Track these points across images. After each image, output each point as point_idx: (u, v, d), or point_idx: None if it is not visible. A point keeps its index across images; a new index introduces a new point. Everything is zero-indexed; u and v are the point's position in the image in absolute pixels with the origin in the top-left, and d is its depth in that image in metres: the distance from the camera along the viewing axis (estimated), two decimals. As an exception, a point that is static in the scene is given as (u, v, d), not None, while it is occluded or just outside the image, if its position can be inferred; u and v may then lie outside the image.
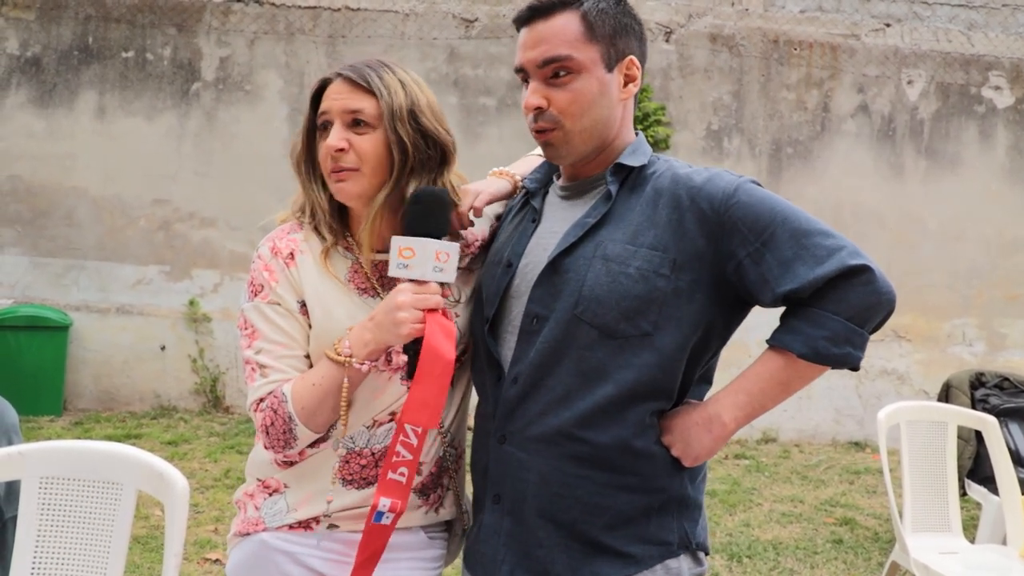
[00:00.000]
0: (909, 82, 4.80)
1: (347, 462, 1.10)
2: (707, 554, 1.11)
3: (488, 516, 1.10)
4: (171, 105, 4.68)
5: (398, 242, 1.03)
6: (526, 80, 1.07)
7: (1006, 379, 3.15)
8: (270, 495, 1.12)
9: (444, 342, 1.00)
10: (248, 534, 1.12)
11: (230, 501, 3.29)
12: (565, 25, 1.02)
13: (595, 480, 1.03)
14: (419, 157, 1.09)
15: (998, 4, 4.87)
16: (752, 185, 1.03)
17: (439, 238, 1.03)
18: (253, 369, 1.08)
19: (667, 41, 4.75)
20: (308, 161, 1.13)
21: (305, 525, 1.10)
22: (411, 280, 1.02)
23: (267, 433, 1.06)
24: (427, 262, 1.00)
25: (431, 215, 1.03)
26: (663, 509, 1.05)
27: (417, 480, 1.12)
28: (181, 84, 4.69)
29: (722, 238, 1.00)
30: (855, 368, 1.00)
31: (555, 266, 1.05)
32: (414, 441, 1.02)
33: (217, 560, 2.76)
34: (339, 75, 1.10)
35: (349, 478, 1.10)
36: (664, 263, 1.00)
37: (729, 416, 1.02)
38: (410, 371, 1.04)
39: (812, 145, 4.78)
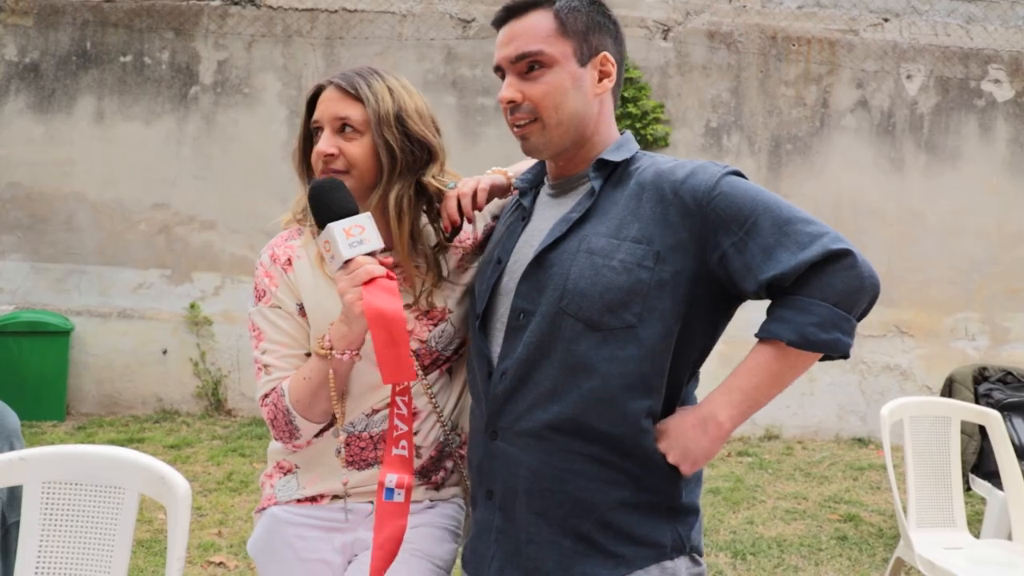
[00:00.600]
0: (908, 77, 4.79)
1: (348, 445, 1.19)
2: (701, 555, 1.10)
3: (480, 512, 1.12)
4: (169, 109, 4.68)
5: (318, 241, 1.08)
6: (504, 78, 1.10)
7: (1009, 373, 3.14)
8: (284, 475, 1.24)
9: (384, 298, 1.02)
10: (264, 509, 1.25)
11: (233, 504, 3.29)
12: (538, 22, 1.06)
13: (586, 475, 1.03)
14: (406, 160, 1.14)
15: (996, -3, 4.86)
16: (734, 177, 1.03)
17: (350, 216, 1.06)
18: (259, 368, 1.18)
19: (665, 39, 4.74)
20: (305, 164, 1.20)
21: (312, 499, 1.21)
22: (340, 268, 1.05)
23: (273, 426, 1.17)
24: (341, 244, 1.03)
25: (326, 203, 1.06)
26: (656, 509, 1.05)
27: (417, 463, 1.18)
28: (179, 88, 4.69)
29: (706, 230, 1.01)
30: (845, 356, 1.00)
31: (540, 261, 1.07)
32: (405, 411, 1.08)
33: (221, 563, 2.76)
34: (331, 83, 1.16)
35: (351, 460, 1.20)
36: (648, 255, 1.01)
37: (725, 415, 1.01)
38: None
39: (811, 141, 4.77)
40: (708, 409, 1.02)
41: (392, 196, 1.14)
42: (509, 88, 1.07)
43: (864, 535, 3.22)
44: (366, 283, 1.03)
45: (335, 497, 1.20)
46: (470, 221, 1.19)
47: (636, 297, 1.00)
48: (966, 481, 2.90)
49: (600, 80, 1.09)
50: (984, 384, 3.10)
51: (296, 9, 4.69)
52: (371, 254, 1.06)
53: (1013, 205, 4.79)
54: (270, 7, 4.70)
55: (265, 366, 1.17)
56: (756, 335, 1.03)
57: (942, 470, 2.32)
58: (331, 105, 1.14)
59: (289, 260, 1.19)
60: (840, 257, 0.96)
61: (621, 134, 1.15)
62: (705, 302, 1.03)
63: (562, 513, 1.04)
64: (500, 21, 1.10)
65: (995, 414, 2.36)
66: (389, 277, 1.05)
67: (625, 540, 1.03)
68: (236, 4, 4.70)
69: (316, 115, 1.16)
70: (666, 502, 1.05)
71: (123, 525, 1.26)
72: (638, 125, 4.59)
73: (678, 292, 1.01)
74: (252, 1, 4.70)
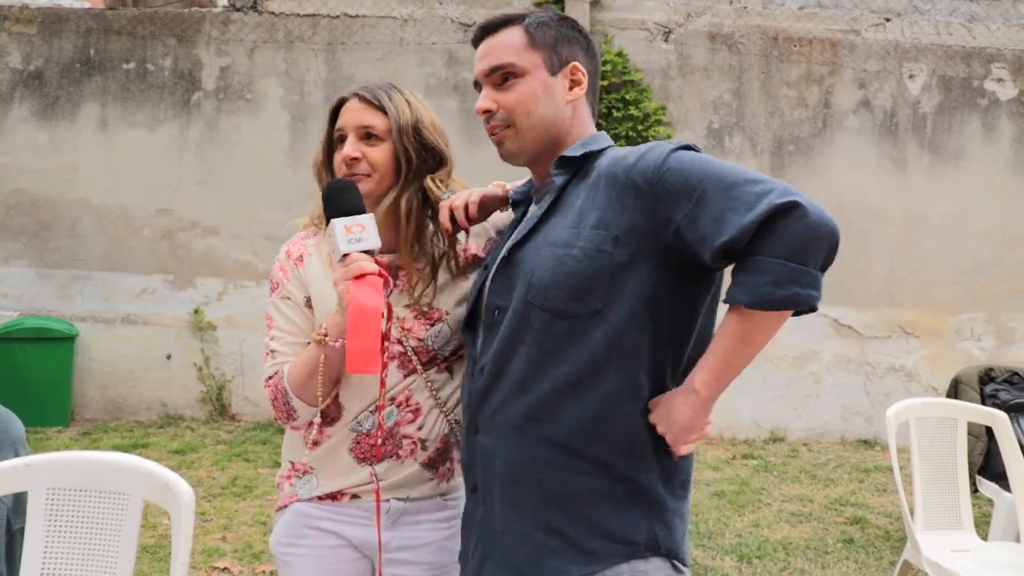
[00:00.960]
0: (910, 76, 4.78)
1: (358, 443, 1.26)
2: (686, 565, 1.09)
3: (467, 506, 1.18)
4: (172, 115, 4.70)
5: (326, 236, 1.18)
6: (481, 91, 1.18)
7: (1015, 373, 3.13)
8: (302, 475, 1.30)
9: (368, 294, 1.09)
10: (285, 506, 1.32)
11: (237, 509, 3.29)
12: (509, 37, 1.15)
13: (557, 465, 1.05)
14: (421, 166, 1.26)
15: (998, -3, 4.85)
16: (683, 151, 1.05)
17: (355, 215, 1.15)
18: (267, 353, 1.29)
19: (666, 41, 4.75)
20: (327, 170, 1.29)
21: (332, 497, 1.28)
22: (339, 261, 1.14)
23: (274, 406, 1.26)
24: (340, 238, 1.13)
25: (336, 200, 1.16)
26: (629, 501, 1.05)
27: (423, 455, 1.27)
28: (182, 94, 4.71)
29: (658, 207, 1.02)
30: (812, 308, 0.98)
31: (510, 259, 1.13)
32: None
33: (225, 568, 2.76)
34: (354, 95, 1.27)
35: (361, 457, 1.26)
36: (606, 240, 1.03)
37: (699, 380, 1.01)
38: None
39: (814, 142, 4.77)
40: (688, 379, 1.04)
41: (404, 199, 1.24)
42: (484, 99, 1.15)
43: (871, 538, 3.20)
44: (357, 277, 1.11)
45: (353, 496, 1.27)
46: (465, 231, 1.26)
47: (599, 282, 1.03)
48: (973, 483, 2.88)
49: (571, 88, 1.16)
50: (990, 385, 3.09)
51: (298, 15, 4.71)
52: (369, 252, 1.14)
53: (1017, 205, 4.77)
54: (272, 13, 4.72)
55: (272, 351, 1.27)
56: (723, 301, 1.04)
57: (949, 472, 2.31)
58: (355, 115, 1.25)
59: (301, 256, 1.30)
60: (789, 211, 0.94)
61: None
62: (671, 279, 1.04)
63: (533, 504, 1.06)
64: (476, 40, 1.18)
65: (1002, 415, 2.35)
66: (381, 275, 1.12)
67: (596, 534, 1.04)
68: (238, 10, 4.72)
69: (340, 123, 1.26)
70: (639, 491, 1.05)
71: (127, 531, 1.26)
72: (640, 127, 4.59)
73: (640, 273, 1.03)
74: (254, 7, 4.72)
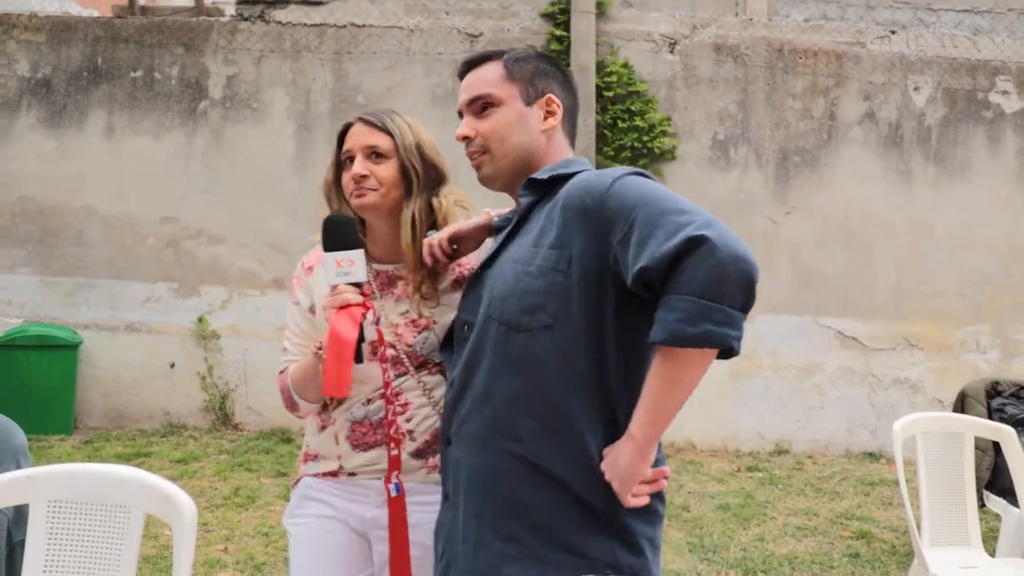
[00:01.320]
0: (915, 89, 4.78)
1: (352, 431, 1.38)
2: None
3: (440, 514, 1.23)
4: (179, 124, 4.73)
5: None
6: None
7: (1023, 387, 3.10)
8: (313, 459, 1.45)
9: (346, 325, 1.21)
10: (298, 481, 1.47)
11: (239, 520, 3.28)
12: (489, 71, 1.24)
13: (518, 476, 1.08)
14: (425, 180, 1.38)
15: (1004, 9, 4.85)
16: (631, 177, 1.07)
17: (348, 249, 1.26)
18: (283, 349, 1.46)
19: (671, 52, 4.76)
20: (337, 189, 1.41)
21: (332, 474, 1.41)
22: (330, 290, 1.26)
23: (282, 396, 1.42)
24: (330, 271, 1.25)
25: (333, 235, 1.26)
26: (587, 520, 1.06)
27: (412, 445, 1.36)
28: (189, 103, 4.74)
29: (602, 230, 1.05)
30: (729, 348, 0.96)
31: (478, 277, 1.21)
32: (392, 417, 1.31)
33: (226, 579, 2.74)
34: (359, 119, 1.39)
35: (356, 443, 1.38)
36: (561, 259, 1.08)
37: (635, 426, 1.02)
38: (357, 355, 1.25)
39: (819, 153, 4.76)
40: (630, 425, 1.04)
41: (414, 211, 1.36)
42: (464, 126, 1.23)
43: (877, 552, 3.17)
44: (340, 308, 1.23)
45: (351, 474, 1.38)
46: (444, 265, 1.36)
47: (551, 299, 1.07)
48: (980, 498, 2.86)
49: (546, 118, 1.23)
50: (997, 399, 3.06)
51: (304, 24, 4.74)
52: (357, 285, 1.25)
53: (1022, 217, 4.76)
54: (279, 23, 4.75)
55: (284, 350, 1.45)
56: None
57: (956, 487, 2.29)
58: (362, 137, 1.37)
59: (311, 268, 1.45)
60: (698, 245, 0.93)
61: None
62: (613, 301, 1.06)
63: (495, 514, 1.08)
64: (461, 74, 1.27)
65: (1009, 430, 2.33)
66: (364, 306, 1.24)
67: (555, 545, 1.05)
68: (245, 20, 4.76)
69: (347, 146, 1.38)
70: (597, 512, 1.06)
71: (128, 544, 1.26)
72: (645, 138, 4.60)
73: (587, 292, 1.06)
74: (261, 17, 4.76)
